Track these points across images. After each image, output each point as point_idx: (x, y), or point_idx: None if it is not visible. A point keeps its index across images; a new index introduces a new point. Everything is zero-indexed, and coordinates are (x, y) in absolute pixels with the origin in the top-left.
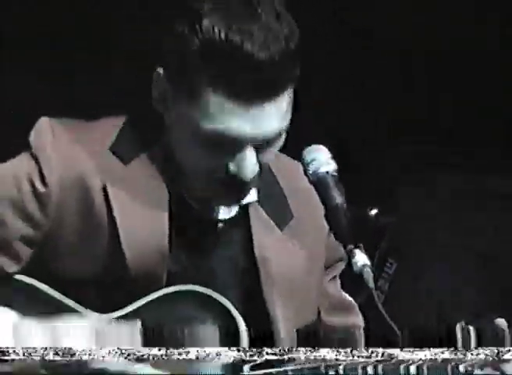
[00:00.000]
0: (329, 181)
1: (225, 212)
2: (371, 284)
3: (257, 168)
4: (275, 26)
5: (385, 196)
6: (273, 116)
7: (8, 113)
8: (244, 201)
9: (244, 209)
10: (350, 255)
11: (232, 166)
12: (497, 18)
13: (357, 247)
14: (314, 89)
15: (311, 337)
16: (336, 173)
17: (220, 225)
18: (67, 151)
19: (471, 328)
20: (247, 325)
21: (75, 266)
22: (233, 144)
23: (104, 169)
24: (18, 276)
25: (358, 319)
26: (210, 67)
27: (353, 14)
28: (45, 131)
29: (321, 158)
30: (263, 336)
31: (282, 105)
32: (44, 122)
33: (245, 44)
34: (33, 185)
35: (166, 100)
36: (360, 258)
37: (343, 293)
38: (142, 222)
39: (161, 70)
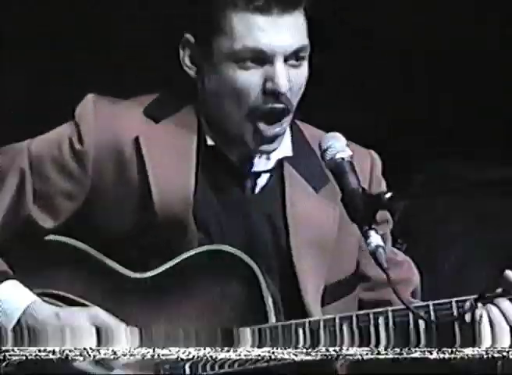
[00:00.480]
0: (345, 167)
1: (261, 165)
2: (384, 264)
3: (289, 84)
4: None
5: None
6: (293, 28)
7: (8, 113)
8: (279, 155)
9: (279, 164)
10: (365, 236)
11: (267, 83)
12: (497, 18)
13: (371, 228)
14: (315, 89)
15: (336, 293)
16: (351, 159)
17: (253, 177)
18: (105, 117)
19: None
20: (273, 283)
21: (112, 221)
22: (265, 58)
23: (137, 125)
24: (57, 237)
25: (410, 274)
26: None
27: (353, 14)
28: (89, 104)
29: (337, 145)
30: (289, 295)
31: (298, 21)
32: (89, 97)
33: None
34: (72, 145)
35: (195, 59)
36: (375, 240)
37: (394, 250)
38: (170, 169)
39: (188, 35)
